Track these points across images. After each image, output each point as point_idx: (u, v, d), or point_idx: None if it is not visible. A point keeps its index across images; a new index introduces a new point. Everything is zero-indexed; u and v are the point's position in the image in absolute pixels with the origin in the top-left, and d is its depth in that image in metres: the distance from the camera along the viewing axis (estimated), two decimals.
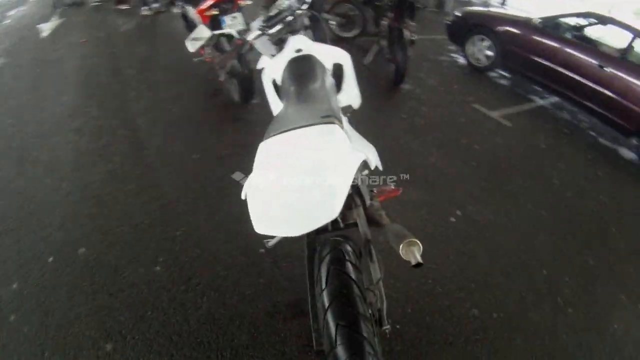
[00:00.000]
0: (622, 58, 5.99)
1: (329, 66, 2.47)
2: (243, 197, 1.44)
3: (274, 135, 1.58)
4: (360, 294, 1.55)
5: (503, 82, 7.43)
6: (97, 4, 10.08)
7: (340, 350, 1.42)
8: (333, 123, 1.58)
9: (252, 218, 1.34)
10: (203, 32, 3.31)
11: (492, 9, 8.58)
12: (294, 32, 2.70)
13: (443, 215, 3.80)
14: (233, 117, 4.48)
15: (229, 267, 2.84)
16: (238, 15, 4.23)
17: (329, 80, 2.31)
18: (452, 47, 8.50)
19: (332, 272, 1.61)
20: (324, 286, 1.57)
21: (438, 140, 5.03)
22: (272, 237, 2.08)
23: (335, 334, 1.44)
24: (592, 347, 2.84)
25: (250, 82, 4.27)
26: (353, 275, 1.61)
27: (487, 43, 7.10)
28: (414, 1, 5.72)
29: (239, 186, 3.47)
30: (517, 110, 6.41)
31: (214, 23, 4.29)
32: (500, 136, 5.48)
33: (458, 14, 7.61)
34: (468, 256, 3.39)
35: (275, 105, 2.52)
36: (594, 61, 6.12)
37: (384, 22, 5.95)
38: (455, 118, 5.69)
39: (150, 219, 3.17)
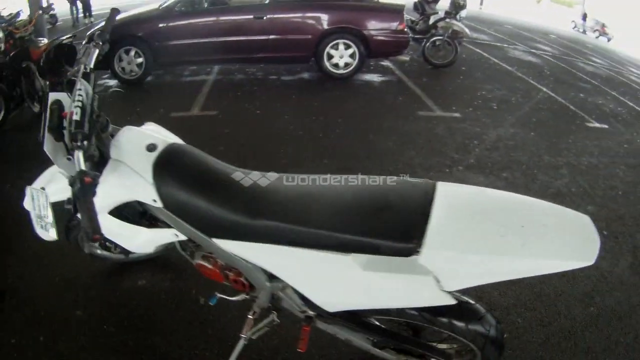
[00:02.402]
0: (273, 1, 6.70)
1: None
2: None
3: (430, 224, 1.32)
4: None
5: (163, 80, 7.26)
6: None
7: (493, 332, 1.58)
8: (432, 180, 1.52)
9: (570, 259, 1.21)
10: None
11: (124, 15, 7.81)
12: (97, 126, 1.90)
13: None
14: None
15: None
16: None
17: None
18: None
19: None
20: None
21: None
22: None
23: (481, 325, 1.57)
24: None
25: None
26: None
27: (133, 52, 6.67)
28: (71, 44, 4.88)
29: None
30: (205, 97, 6.31)
31: None
32: (220, 127, 5.28)
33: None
34: None
35: (141, 236, 1.95)
36: (248, 16, 6.61)
37: (39, 85, 4.94)
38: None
39: None
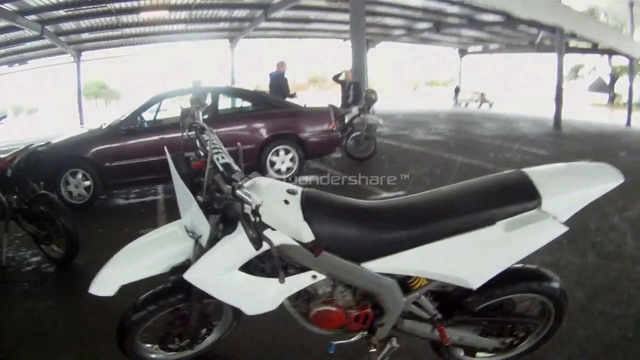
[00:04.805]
0: (214, 115, 7.35)
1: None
2: None
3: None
4: None
5: (110, 204, 7.25)
6: None
7: (563, 286, 2.30)
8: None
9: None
10: None
11: (68, 137, 7.35)
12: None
13: None
14: None
15: None
16: None
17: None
18: None
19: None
20: None
21: None
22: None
23: (556, 282, 2.27)
24: None
25: None
26: None
27: (80, 175, 6.63)
28: (41, 155, 4.58)
29: None
30: (165, 214, 6.29)
31: None
32: None
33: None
34: None
35: (271, 290, 2.06)
36: (192, 132, 6.98)
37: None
38: None
39: None
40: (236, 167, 1.94)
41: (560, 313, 2.32)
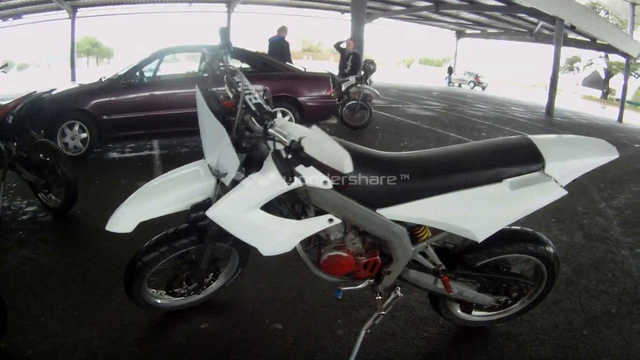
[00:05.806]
0: (213, 73, 7.00)
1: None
2: None
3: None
4: None
5: (105, 157, 7.10)
6: None
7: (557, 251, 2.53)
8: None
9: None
10: None
11: (66, 88, 7.27)
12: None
13: None
14: None
15: None
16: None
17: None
18: None
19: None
20: None
21: None
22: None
23: (551, 247, 2.47)
24: None
25: None
26: None
27: (77, 126, 6.58)
28: (43, 101, 4.54)
29: None
30: (160, 168, 6.32)
31: None
32: None
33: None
34: None
35: (288, 231, 2.14)
36: (193, 89, 6.63)
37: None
38: None
39: None
40: (268, 108, 1.98)
41: (552, 277, 2.52)
